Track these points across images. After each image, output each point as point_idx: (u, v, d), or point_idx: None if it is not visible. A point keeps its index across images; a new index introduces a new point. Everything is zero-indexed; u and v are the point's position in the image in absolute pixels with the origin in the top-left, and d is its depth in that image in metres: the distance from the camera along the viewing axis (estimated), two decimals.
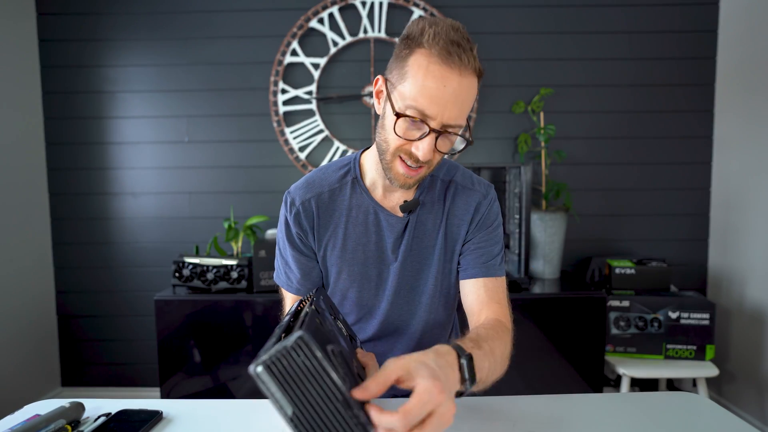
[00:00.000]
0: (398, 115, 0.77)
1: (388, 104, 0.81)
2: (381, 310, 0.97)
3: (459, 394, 0.68)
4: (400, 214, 0.93)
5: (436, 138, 0.78)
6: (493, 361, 0.73)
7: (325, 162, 2.34)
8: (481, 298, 0.92)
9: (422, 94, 0.75)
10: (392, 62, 0.82)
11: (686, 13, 2.28)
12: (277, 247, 1.00)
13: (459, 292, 0.99)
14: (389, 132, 0.81)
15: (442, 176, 0.97)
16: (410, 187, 0.87)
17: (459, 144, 0.82)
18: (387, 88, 0.82)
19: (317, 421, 0.52)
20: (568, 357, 1.92)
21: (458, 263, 0.97)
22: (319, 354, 0.51)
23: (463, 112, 0.78)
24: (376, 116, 0.87)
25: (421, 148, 0.78)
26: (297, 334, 0.50)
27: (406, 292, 0.97)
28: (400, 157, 0.82)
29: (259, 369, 0.50)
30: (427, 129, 0.77)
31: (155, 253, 2.40)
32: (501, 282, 0.96)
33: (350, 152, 2.32)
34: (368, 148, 0.97)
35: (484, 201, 0.96)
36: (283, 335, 0.62)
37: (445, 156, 0.87)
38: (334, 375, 0.51)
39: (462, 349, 0.66)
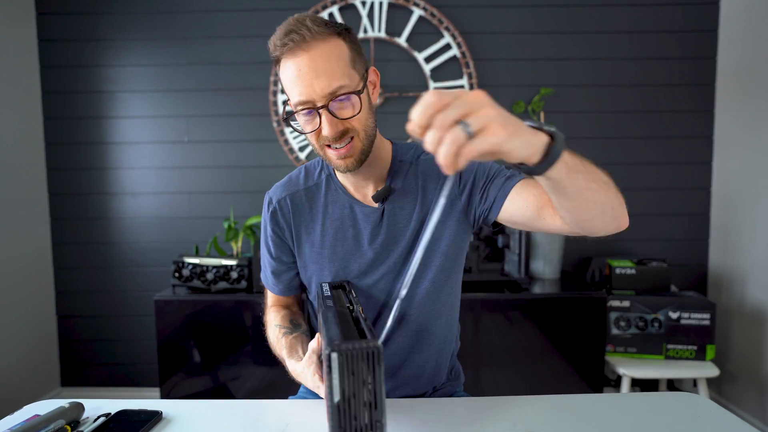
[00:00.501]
0: (290, 113, 0.83)
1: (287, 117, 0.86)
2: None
3: (531, 172, 0.58)
4: (375, 205, 0.93)
5: (328, 111, 0.79)
6: (590, 174, 0.67)
7: None
8: (534, 194, 0.83)
9: (290, 90, 0.80)
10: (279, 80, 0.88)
11: (687, 12, 2.28)
12: (261, 245, 1.05)
13: (460, 273, 1.00)
14: (310, 139, 0.85)
15: (410, 159, 0.95)
16: (355, 167, 0.85)
17: (362, 100, 0.82)
18: (285, 104, 0.90)
19: (350, 418, 0.58)
20: (569, 357, 1.92)
21: (484, 214, 0.90)
22: (381, 368, 0.58)
23: (335, 75, 0.78)
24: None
25: (324, 128, 0.80)
26: (375, 344, 0.58)
27: (396, 282, 0.94)
28: (327, 146, 0.84)
29: (334, 354, 0.56)
30: (317, 114, 0.80)
31: (155, 253, 2.40)
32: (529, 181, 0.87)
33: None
34: None
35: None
36: (343, 325, 0.68)
37: (360, 116, 0.82)
38: (383, 389, 0.59)
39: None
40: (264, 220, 1.00)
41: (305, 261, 0.98)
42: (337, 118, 0.80)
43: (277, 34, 0.79)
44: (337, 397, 0.57)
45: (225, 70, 2.34)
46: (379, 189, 0.93)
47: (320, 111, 0.79)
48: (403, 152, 0.96)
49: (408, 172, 0.94)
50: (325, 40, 0.78)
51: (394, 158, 0.95)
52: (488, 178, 0.90)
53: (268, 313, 1.06)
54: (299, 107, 0.80)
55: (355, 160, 0.84)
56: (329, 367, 0.57)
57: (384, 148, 0.94)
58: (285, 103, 0.90)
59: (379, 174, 0.93)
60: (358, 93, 0.81)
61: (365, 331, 0.66)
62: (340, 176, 0.95)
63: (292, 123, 0.86)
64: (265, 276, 1.05)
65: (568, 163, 0.59)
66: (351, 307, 0.78)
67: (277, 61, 0.82)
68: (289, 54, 0.78)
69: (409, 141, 0.88)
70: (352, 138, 0.82)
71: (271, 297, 1.08)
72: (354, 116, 0.81)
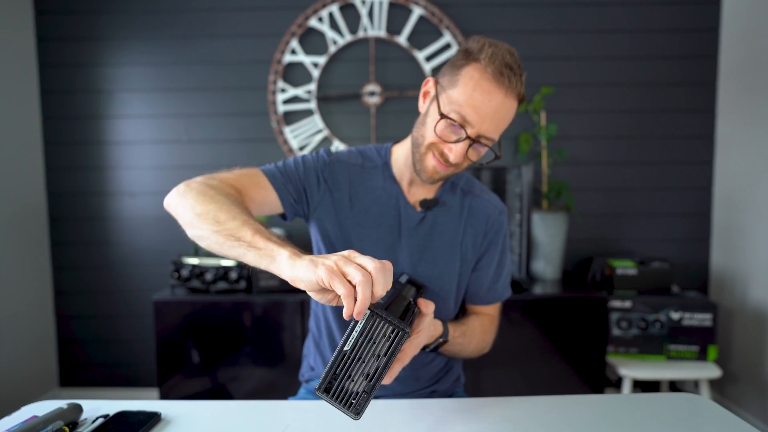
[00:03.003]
0: (442, 116, 0.84)
1: (434, 105, 0.88)
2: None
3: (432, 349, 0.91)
4: (419, 209, 0.97)
5: (470, 145, 0.85)
6: (464, 344, 0.96)
7: None
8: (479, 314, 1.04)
9: (468, 102, 0.82)
10: (446, 68, 0.88)
11: (688, 11, 2.28)
12: (289, 160, 1.01)
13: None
14: (428, 129, 0.88)
15: (462, 185, 1.02)
16: (435, 182, 0.92)
17: (487, 156, 0.90)
18: (436, 89, 0.89)
19: (346, 373, 0.61)
20: (570, 358, 1.91)
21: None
22: (396, 352, 0.61)
23: (499, 128, 0.85)
24: (417, 114, 0.96)
25: (455, 151, 0.85)
26: (406, 328, 0.61)
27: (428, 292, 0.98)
28: (433, 152, 0.88)
29: (368, 311, 0.60)
30: (464, 134, 0.84)
31: (154, 253, 2.39)
32: (499, 301, 1.07)
33: (353, 149, 2.32)
34: (398, 142, 1.02)
35: (496, 214, 1.02)
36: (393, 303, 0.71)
37: (471, 165, 0.93)
38: (386, 371, 0.61)
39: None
40: (315, 160, 0.98)
41: (327, 229, 0.96)
42: (466, 152, 0.86)
43: (496, 50, 0.82)
44: (347, 347, 0.60)
45: (224, 69, 2.34)
46: (428, 197, 0.98)
47: (463, 138, 0.84)
48: (457, 176, 1.03)
49: (458, 196, 1.01)
50: (515, 98, 0.84)
51: (448, 177, 0.98)
52: (493, 264, 1.02)
53: (214, 176, 0.88)
54: (456, 117, 0.83)
55: (440, 179, 0.92)
56: (362, 320, 0.60)
57: None
58: (435, 83, 0.90)
59: (433, 187, 0.99)
60: (496, 157, 0.90)
61: (408, 318, 0.69)
62: (396, 168, 0.99)
63: (439, 119, 0.85)
64: (274, 169, 0.98)
65: (448, 348, 0.94)
66: (411, 301, 0.78)
67: (472, 60, 0.83)
68: (494, 79, 0.81)
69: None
70: (453, 166, 0.89)
71: (241, 177, 0.91)
72: (473, 161, 0.89)
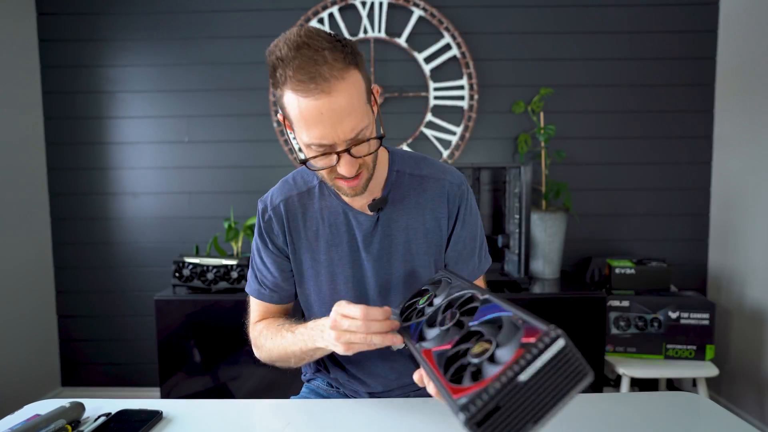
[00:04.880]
0: (304, 162, 0.80)
1: (294, 147, 0.92)
2: None
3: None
4: (369, 213, 0.92)
5: (349, 154, 0.77)
6: None
7: None
8: None
9: (309, 132, 0.74)
10: (275, 96, 0.79)
11: (686, 13, 2.28)
12: (251, 257, 1.01)
13: None
14: (314, 167, 0.82)
15: (410, 170, 0.95)
16: (363, 191, 0.85)
17: (372, 142, 0.80)
18: (287, 127, 0.82)
19: (521, 401, 0.49)
20: None
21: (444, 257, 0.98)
22: (575, 393, 0.51)
23: (356, 117, 0.75)
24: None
25: (344, 169, 0.78)
26: (589, 370, 0.51)
27: (395, 291, 0.95)
28: (335, 179, 0.83)
29: (562, 341, 0.48)
30: (335, 156, 0.77)
31: (155, 253, 2.40)
32: (483, 273, 1.03)
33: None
34: None
35: (455, 189, 0.95)
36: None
37: (384, 150, 0.92)
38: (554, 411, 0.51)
39: None
40: (258, 227, 0.97)
41: (301, 267, 0.96)
42: (354, 157, 0.78)
43: (284, 59, 0.72)
44: (523, 376, 0.47)
45: (225, 70, 2.34)
46: (375, 197, 0.92)
47: (341, 154, 0.77)
48: (402, 162, 0.96)
49: (407, 184, 0.94)
50: (344, 78, 0.72)
51: (390, 167, 0.94)
52: (464, 238, 0.98)
53: (255, 327, 1.00)
54: (317, 151, 0.77)
55: (363, 187, 0.84)
56: (546, 347, 0.48)
57: (380, 159, 0.93)
58: (283, 125, 0.84)
59: (376, 185, 0.92)
60: (380, 138, 0.80)
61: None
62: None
63: (307, 164, 0.81)
64: (259, 286, 0.99)
65: None
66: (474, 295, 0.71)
67: (281, 84, 0.74)
68: (305, 93, 0.72)
69: (403, 147, 0.90)
70: (362, 170, 0.82)
71: (258, 311, 1.01)
72: (369, 155, 0.81)
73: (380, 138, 0.81)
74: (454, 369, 0.56)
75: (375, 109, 0.83)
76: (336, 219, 0.93)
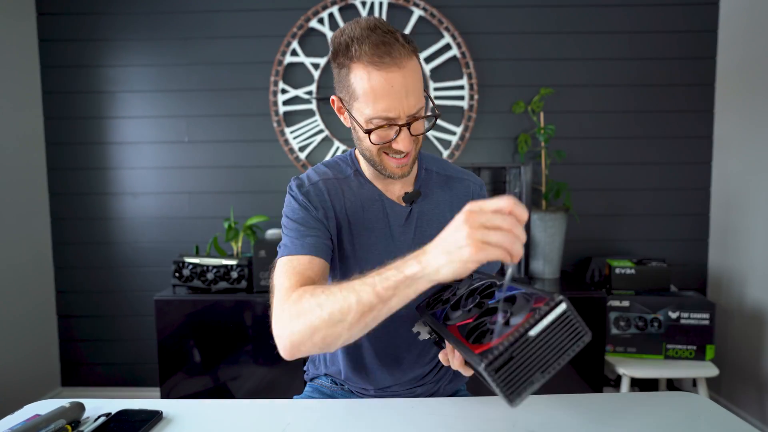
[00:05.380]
0: (368, 132, 0.83)
1: (353, 122, 0.87)
2: None
3: None
4: (403, 204, 0.97)
5: (408, 129, 0.83)
6: None
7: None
8: None
9: (376, 104, 0.80)
10: (337, 82, 0.86)
11: (686, 13, 2.28)
12: (283, 228, 0.91)
13: None
14: (366, 143, 0.87)
15: (437, 169, 1.02)
16: (407, 174, 0.91)
17: (429, 120, 0.89)
18: (345, 106, 0.87)
19: (524, 358, 0.59)
20: None
21: None
22: (573, 352, 0.61)
23: (418, 96, 0.82)
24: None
25: (401, 143, 0.83)
26: (588, 331, 0.61)
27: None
28: (385, 154, 0.88)
29: (564, 304, 0.58)
30: (397, 128, 0.83)
31: (155, 253, 2.40)
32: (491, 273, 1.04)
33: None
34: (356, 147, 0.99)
35: (477, 189, 1.02)
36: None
37: (426, 134, 0.93)
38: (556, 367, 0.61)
39: None
40: (294, 200, 0.91)
41: (342, 250, 0.94)
42: (411, 134, 0.84)
43: (359, 38, 0.78)
44: (533, 332, 0.57)
45: (225, 70, 2.34)
46: (407, 191, 0.97)
47: (401, 128, 0.82)
48: (429, 161, 1.02)
49: (436, 181, 1.00)
50: (411, 59, 0.80)
51: (420, 165, 1.00)
52: None
53: (292, 293, 0.78)
54: (379, 123, 0.81)
55: (410, 167, 0.90)
56: (550, 309, 0.58)
57: None
58: (340, 100, 0.87)
59: (409, 179, 0.97)
60: (436, 116, 0.89)
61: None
62: (368, 174, 0.97)
63: (371, 135, 0.83)
64: (292, 244, 0.87)
65: None
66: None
67: (350, 61, 0.79)
68: (378, 67, 0.78)
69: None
70: (411, 151, 0.87)
71: (294, 275, 0.82)
72: (422, 133, 0.87)
73: (436, 116, 0.90)
74: (475, 335, 0.65)
75: (426, 95, 0.88)
76: (373, 205, 0.96)
